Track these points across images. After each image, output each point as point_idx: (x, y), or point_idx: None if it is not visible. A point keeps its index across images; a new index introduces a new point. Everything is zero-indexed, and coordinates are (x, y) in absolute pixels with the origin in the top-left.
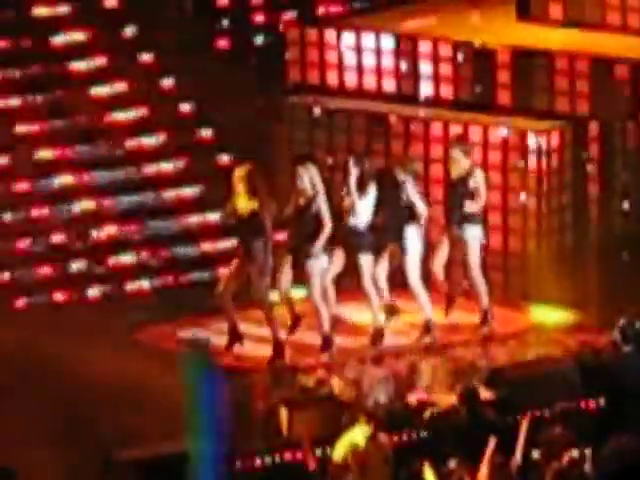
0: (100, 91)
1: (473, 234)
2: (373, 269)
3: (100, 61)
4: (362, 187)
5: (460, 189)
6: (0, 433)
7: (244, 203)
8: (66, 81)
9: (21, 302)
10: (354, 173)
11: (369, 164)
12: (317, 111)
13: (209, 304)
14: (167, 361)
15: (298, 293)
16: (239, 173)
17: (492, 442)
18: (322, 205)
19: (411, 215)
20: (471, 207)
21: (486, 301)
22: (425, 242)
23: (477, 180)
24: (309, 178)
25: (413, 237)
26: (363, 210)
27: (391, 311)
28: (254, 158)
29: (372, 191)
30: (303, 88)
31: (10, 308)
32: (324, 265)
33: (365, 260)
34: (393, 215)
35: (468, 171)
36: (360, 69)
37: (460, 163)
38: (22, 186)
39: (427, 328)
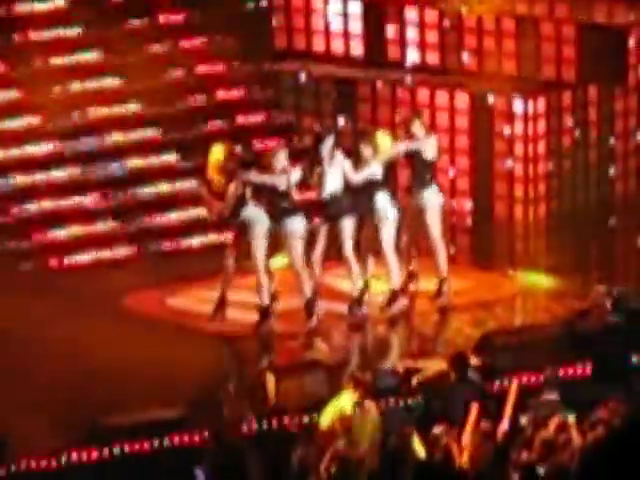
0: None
1: (432, 201)
2: (353, 234)
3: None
4: (332, 156)
5: (418, 158)
6: None
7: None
8: None
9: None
10: (327, 143)
11: (336, 133)
12: (303, 77)
13: (196, 270)
14: (154, 328)
15: (282, 261)
16: (218, 150)
17: (474, 409)
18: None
19: (382, 183)
20: (427, 174)
21: (444, 270)
22: (398, 210)
23: (431, 148)
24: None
25: (385, 205)
26: (335, 179)
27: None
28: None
29: (340, 160)
30: (289, 55)
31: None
32: (301, 228)
33: (345, 225)
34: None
35: (423, 141)
36: (347, 35)
37: (418, 135)
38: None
39: (394, 297)
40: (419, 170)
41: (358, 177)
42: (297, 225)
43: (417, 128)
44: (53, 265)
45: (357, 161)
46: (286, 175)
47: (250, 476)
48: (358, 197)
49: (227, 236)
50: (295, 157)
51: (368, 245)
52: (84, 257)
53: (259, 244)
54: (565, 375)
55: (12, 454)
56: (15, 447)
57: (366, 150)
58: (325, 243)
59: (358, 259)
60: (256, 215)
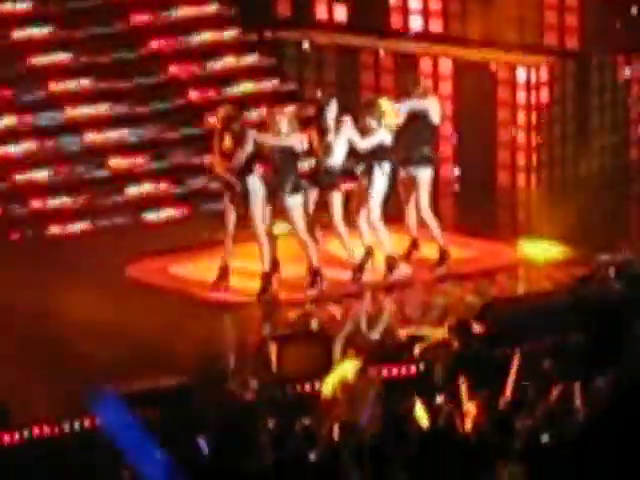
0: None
1: (423, 174)
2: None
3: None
4: (337, 127)
5: (422, 121)
6: None
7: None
8: None
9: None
10: (331, 111)
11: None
12: (306, 45)
13: (197, 238)
14: (156, 297)
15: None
16: (222, 113)
17: (462, 378)
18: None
19: (379, 153)
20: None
21: (441, 240)
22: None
23: (435, 111)
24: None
25: (378, 174)
26: (341, 147)
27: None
28: None
29: (347, 127)
30: (292, 23)
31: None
32: (300, 199)
33: (335, 198)
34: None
35: (430, 100)
36: (349, 3)
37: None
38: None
39: (391, 263)
40: (422, 134)
41: (365, 144)
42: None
43: (420, 91)
44: (51, 233)
45: (363, 132)
46: (301, 136)
47: (253, 445)
48: (364, 162)
49: (227, 203)
50: (300, 126)
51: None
52: (83, 226)
53: (257, 212)
54: (569, 342)
55: (15, 420)
56: (18, 414)
57: (371, 120)
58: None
59: (354, 227)
60: (254, 184)
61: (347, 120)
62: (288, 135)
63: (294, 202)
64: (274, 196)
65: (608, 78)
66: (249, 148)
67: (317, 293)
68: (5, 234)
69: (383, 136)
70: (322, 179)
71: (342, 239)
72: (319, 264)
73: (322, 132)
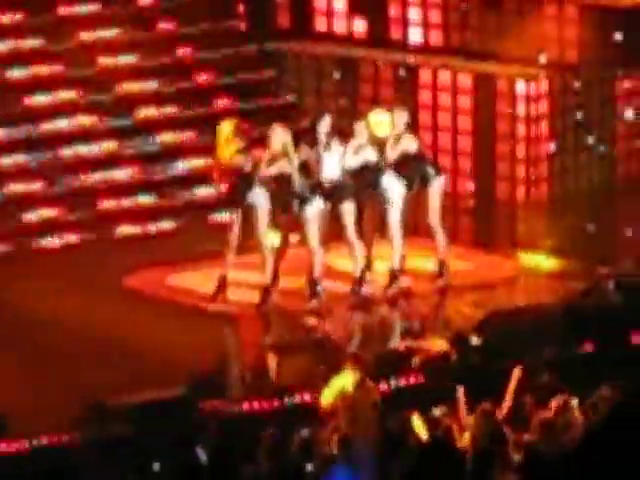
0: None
1: (433, 184)
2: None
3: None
4: (329, 140)
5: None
6: None
7: (233, 154)
8: None
9: (4, 247)
10: (323, 126)
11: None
12: (305, 57)
13: (196, 250)
14: (155, 308)
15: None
16: (227, 127)
17: (460, 391)
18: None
19: (385, 165)
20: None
21: (444, 251)
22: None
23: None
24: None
25: (391, 185)
26: (333, 163)
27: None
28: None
29: (337, 145)
30: (292, 34)
31: None
32: (317, 210)
33: (346, 208)
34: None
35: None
36: (349, 15)
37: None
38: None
39: (394, 277)
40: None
41: (351, 162)
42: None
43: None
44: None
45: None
46: (294, 157)
47: (252, 455)
48: (359, 180)
49: (230, 216)
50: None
51: (372, 226)
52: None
53: (262, 225)
54: (566, 355)
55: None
56: (15, 425)
57: (360, 134)
58: (325, 224)
59: (361, 240)
60: (259, 198)
61: (336, 140)
62: (284, 157)
63: (309, 211)
64: (284, 208)
65: (606, 91)
66: (248, 168)
67: (318, 304)
68: None
69: (369, 153)
70: (328, 192)
71: (353, 252)
72: (320, 276)
73: (316, 145)
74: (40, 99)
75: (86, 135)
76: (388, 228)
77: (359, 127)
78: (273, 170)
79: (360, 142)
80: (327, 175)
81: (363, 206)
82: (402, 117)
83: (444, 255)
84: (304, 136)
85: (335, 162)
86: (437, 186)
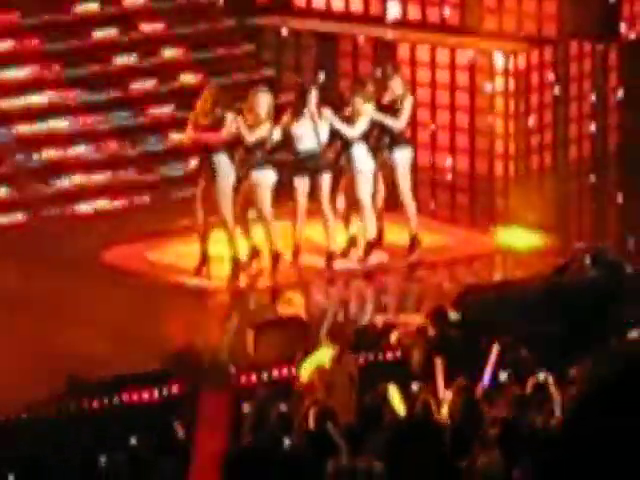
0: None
1: (404, 157)
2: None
3: None
4: (319, 110)
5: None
6: None
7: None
8: None
9: None
10: (312, 96)
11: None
12: (284, 32)
13: (175, 225)
14: (133, 284)
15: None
16: (206, 93)
17: (438, 363)
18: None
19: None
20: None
21: (414, 225)
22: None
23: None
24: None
25: (361, 157)
26: (320, 133)
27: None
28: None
29: (329, 115)
30: (271, 9)
31: None
32: (272, 178)
33: (324, 180)
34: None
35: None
36: None
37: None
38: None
39: (369, 249)
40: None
41: (354, 131)
42: (269, 176)
43: (397, 84)
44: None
45: (347, 119)
46: (272, 126)
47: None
48: (336, 152)
49: (196, 189)
50: (277, 112)
51: (348, 199)
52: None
53: (223, 200)
54: (544, 331)
55: None
56: None
57: (359, 103)
58: (305, 197)
59: (337, 213)
60: (223, 167)
61: (328, 110)
62: (263, 123)
63: (261, 178)
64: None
65: (586, 65)
66: (225, 134)
67: (278, 277)
68: None
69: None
70: (307, 164)
71: (327, 225)
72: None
73: (302, 116)
74: None
75: (66, 110)
76: (359, 200)
77: (358, 97)
78: (257, 134)
79: (359, 109)
80: (305, 147)
81: (338, 178)
82: (398, 84)
83: (415, 229)
84: (288, 107)
85: (325, 133)
86: (404, 157)
